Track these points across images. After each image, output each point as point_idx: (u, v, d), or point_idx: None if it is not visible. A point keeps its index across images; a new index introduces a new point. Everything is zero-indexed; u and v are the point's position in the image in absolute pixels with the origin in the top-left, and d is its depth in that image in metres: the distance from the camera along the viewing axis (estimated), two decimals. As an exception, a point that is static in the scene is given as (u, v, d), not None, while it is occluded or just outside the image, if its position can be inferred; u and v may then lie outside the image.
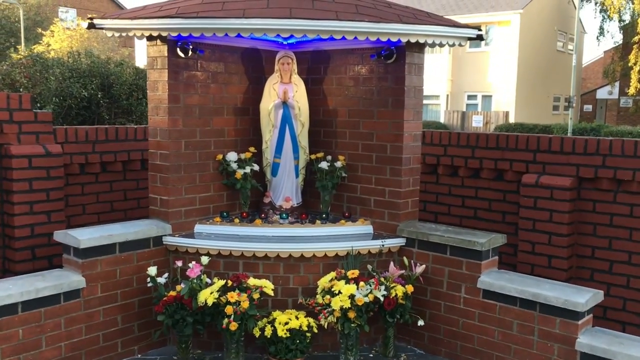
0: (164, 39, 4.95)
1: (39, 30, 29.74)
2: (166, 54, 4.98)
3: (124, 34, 4.84)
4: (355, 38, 4.54)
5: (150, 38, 5.01)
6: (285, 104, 5.46)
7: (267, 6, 4.44)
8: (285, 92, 5.42)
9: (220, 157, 5.43)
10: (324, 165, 5.49)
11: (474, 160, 5.98)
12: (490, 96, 34.06)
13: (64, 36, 27.04)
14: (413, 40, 4.67)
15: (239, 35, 4.62)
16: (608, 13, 35.62)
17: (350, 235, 5.24)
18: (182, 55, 5.01)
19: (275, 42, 5.71)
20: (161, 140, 5.12)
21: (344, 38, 4.53)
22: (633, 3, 34.17)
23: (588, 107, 45.36)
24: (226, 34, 4.49)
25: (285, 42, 5.72)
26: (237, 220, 5.32)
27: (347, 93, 5.57)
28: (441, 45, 5.04)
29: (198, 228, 5.25)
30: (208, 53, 5.28)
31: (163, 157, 5.12)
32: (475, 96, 34.72)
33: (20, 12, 30.14)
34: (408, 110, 5.21)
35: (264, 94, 5.53)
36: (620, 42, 37.40)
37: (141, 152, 6.06)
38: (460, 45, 5.06)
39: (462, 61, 34.16)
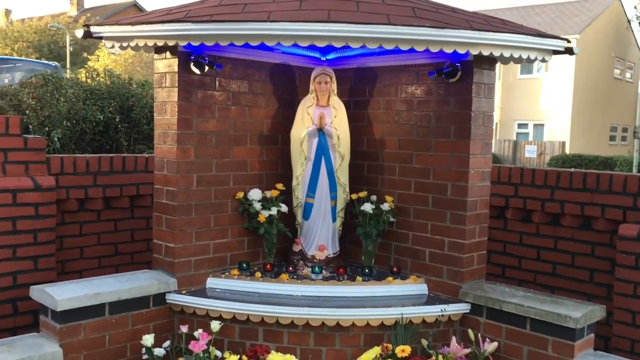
0: (174, 51, 4.04)
1: (85, 54, 29.90)
2: (176, 69, 4.06)
3: (125, 44, 3.94)
4: (412, 50, 3.53)
5: (159, 50, 4.11)
6: (321, 131, 4.47)
7: (299, 8, 3.48)
8: (321, 117, 4.42)
9: (241, 195, 4.45)
10: (367, 207, 4.44)
11: (554, 204, 4.83)
12: (543, 125, 32.44)
13: (109, 60, 27.05)
14: (486, 52, 3.62)
15: (263, 46, 3.66)
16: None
17: (399, 297, 4.16)
18: (196, 70, 4.09)
19: (311, 57, 4.75)
20: (168, 174, 4.19)
21: (397, 49, 3.52)
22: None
23: (649, 138, 42.93)
24: (247, 44, 3.54)
25: (323, 58, 4.75)
26: (258, 274, 4.31)
27: (398, 119, 4.54)
28: (519, 60, 3.98)
29: (211, 282, 4.26)
30: (229, 69, 4.35)
31: (170, 195, 4.17)
32: (526, 125, 33.15)
33: (67, 37, 30.40)
34: (475, 141, 4.13)
35: (296, 120, 4.56)
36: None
37: (152, 186, 5.13)
38: (543, 60, 3.97)
39: (512, 88, 32.73)
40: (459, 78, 4.10)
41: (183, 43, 3.71)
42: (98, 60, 27.27)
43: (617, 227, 4.43)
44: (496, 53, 3.66)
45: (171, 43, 3.72)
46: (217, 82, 4.30)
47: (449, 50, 3.54)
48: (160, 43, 3.74)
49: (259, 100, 4.59)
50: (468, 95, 4.10)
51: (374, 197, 4.60)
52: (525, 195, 4.99)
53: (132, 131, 7.22)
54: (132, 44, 3.89)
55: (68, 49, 29.83)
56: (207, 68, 4.13)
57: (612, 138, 36.05)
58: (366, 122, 4.76)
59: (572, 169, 4.92)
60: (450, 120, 4.20)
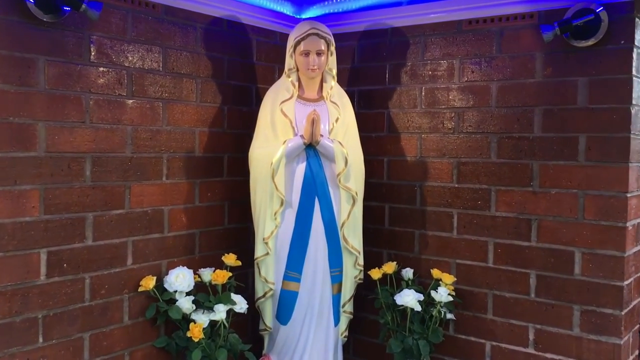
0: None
1: None
2: (-11, 8, 1.72)
3: None
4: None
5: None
6: (312, 148, 2.25)
7: None
8: (313, 122, 2.19)
9: (149, 283, 2.13)
10: (410, 299, 2.24)
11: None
12: None
13: None
14: None
15: None
16: None
17: None
18: (40, 15, 1.76)
19: (277, 12, 2.54)
20: (-23, 254, 1.80)
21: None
22: None
23: None
24: None
25: (299, 16, 2.56)
26: None
27: (456, 125, 2.39)
28: None
29: None
30: (118, 19, 2.05)
31: (-19, 302, 1.78)
32: None
33: None
34: (634, 166, 2.06)
35: (259, 127, 2.32)
36: None
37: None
38: None
39: None
40: (602, 38, 2.01)
41: None
42: None
43: None
44: None
45: None
46: (92, 46, 1.98)
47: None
48: None
49: (185, 89, 2.30)
50: (622, 73, 2.01)
51: (408, 273, 2.42)
52: None
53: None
54: None
55: None
56: (65, 10, 1.81)
57: None
58: (386, 130, 2.58)
59: None
60: (580, 123, 2.10)
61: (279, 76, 2.63)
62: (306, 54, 2.26)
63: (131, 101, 2.10)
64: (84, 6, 1.75)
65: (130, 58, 2.09)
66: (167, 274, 2.20)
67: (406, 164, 2.52)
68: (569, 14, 2.05)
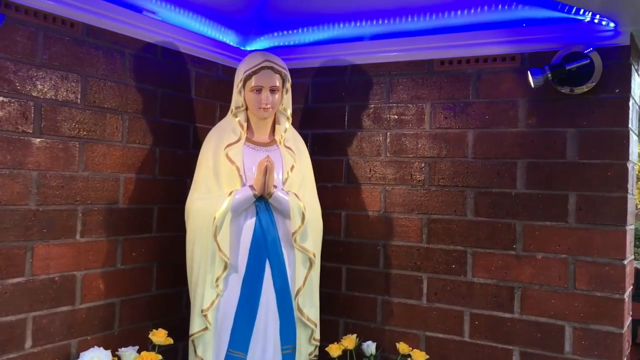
0: None
1: None
2: None
3: None
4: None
5: None
6: (263, 201, 1.88)
7: None
8: (266, 170, 1.83)
9: (54, 371, 1.67)
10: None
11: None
12: None
13: None
14: None
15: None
16: None
17: None
18: None
19: (219, 42, 2.20)
20: None
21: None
22: None
23: None
24: None
25: (244, 48, 2.24)
26: None
27: (427, 177, 2.11)
28: None
29: None
30: (26, 38, 1.63)
31: None
32: None
33: None
34: (629, 230, 1.84)
35: (199, 175, 1.93)
36: None
37: None
38: None
39: None
40: (596, 86, 1.80)
41: None
42: None
43: None
44: None
45: None
46: (-12, 68, 1.55)
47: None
48: None
49: (109, 126, 1.89)
50: (617, 125, 1.80)
51: (370, 347, 2.08)
52: None
53: None
54: None
55: None
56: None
57: None
58: (345, 180, 2.26)
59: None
60: (569, 180, 1.86)
61: (221, 114, 2.29)
62: (258, 90, 1.91)
63: (38, 140, 1.67)
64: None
65: (39, 86, 1.67)
66: (77, 356, 1.74)
67: (368, 219, 2.20)
68: (558, 58, 1.83)
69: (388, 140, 2.18)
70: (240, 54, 2.38)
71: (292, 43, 2.39)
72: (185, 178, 2.13)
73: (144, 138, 2.01)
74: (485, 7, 1.99)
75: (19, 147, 1.62)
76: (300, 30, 2.35)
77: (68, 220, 1.76)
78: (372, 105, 2.21)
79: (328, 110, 2.30)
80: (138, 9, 1.97)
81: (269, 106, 1.92)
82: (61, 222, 1.74)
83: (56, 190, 1.72)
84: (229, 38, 2.38)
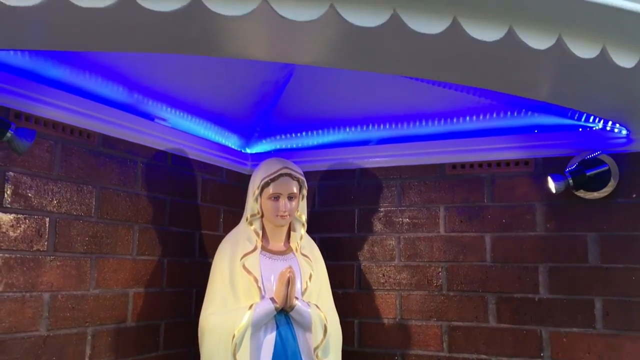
0: None
1: None
2: None
3: None
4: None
5: None
6: (283, 314, 1.78)
7: None
8: (288, 281, 1.75)
9: None
10: None
11: None
12: None
13: None
14: None
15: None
16: None
17: None
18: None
19: (224, 146, 2.17)
20: None
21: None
22: None
23: None
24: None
25: (245, 150, 2.24)
26: None
27: (444, 281, 2.06)
28: None
29: None
30: (42, 149, 1.54)
31: None
32: None
33: None
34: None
35: (213, 288, 1.82)
36: None
37: None
38: None
39: None
40: (614, 189, 1.83)
41: None
42: None
43: None
44: None
45: None
46: (7, 186, 1.45)
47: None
48: None
49: (120, 239, 1.78)
50: (637, 230, 1.82)
51: None
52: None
53: None
54: None
55: None
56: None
57: None
58: (357, 286, 2.19)
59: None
60: (593, 285, 1.85)
61: (224, 220, 2.21)
62: (276, 197, 1.86)
63: (51, 258, 1.55)
64: (9, 134, 1.26)
65: (55, 201, 1.57)
66: None
67: (383, 327, 2.12)
68: (575, 163, 1.87)
69: (401, 244, 2.14)
70: (242, 157, 2.35)
71: (295, 146, 2.38)
72: (191, 289, 2.02)
73: (152, 249, 1.91)
74: (495, 114, 2.05)
75: (32, 267, 1.50)
76: (305, 133, 2.35)
77: (77, 345, 1.61)
78: (383, 209, 2.19)
79: (336, 214, 2.26)
80: (150, 117, 1.92)
81: (287, 214, 1.86)
82: (71, 348, 1.59)
83: (67, 312, 1.59)
84: (231, 141, 2.35)
